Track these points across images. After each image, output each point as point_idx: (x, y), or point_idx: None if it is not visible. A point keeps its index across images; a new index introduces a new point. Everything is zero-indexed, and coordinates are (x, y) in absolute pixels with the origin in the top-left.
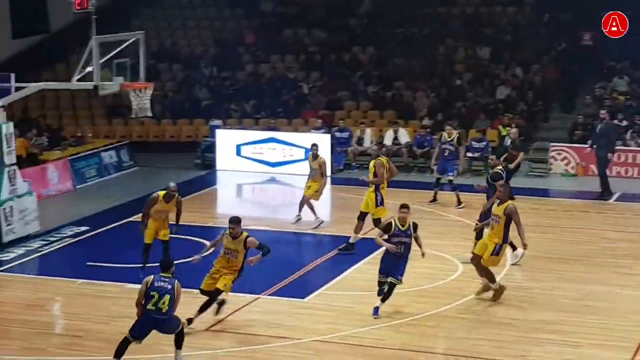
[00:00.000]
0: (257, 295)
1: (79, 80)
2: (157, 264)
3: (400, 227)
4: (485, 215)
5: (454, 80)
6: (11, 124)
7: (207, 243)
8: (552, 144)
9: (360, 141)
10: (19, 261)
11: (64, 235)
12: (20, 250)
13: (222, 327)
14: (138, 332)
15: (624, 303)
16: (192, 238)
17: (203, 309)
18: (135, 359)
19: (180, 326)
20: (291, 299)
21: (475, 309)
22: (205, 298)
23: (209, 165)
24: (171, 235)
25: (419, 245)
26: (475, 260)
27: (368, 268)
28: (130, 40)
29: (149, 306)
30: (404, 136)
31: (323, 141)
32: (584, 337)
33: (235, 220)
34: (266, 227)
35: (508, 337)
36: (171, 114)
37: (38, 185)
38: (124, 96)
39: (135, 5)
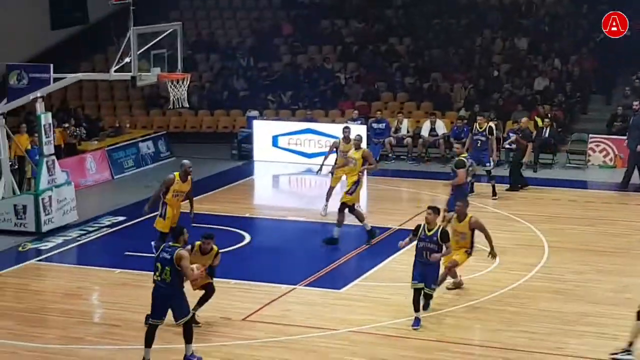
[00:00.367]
0: (293, 286)
1: (117, 71)
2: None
3: (426, 231)
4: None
5: (491, 72)
6: (49, 115)
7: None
8: (590, 135)
9: (397, 131)
10: (58, 250)
11: (102, 225)
12: (58, 240)
13: (258, 318)
14: (154, 312)
15: None
16: (229, 228)
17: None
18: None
19: (189, 316)
20: (327, 289)
21: (512, 300)
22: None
23: (246, 156)
24: (195, 225)
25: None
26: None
27: (404, 259)
28: (168, 31)
29: (155, 277)
30: (441, 127)
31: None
32: (622, 330)
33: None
34: (302, 217)
35: (545, 329)
36: (208, 104)
37: (76, 175)
38: (162, 87)
39: None
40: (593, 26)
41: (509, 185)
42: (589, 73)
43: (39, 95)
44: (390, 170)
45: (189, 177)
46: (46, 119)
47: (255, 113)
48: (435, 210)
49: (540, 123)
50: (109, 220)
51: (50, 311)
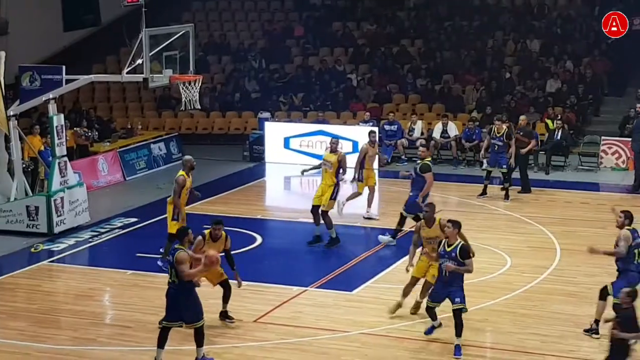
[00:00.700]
0: (304, 288)
1: (129, 72)
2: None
3: (445, 247)
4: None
5: (503, 74)
6: (62, 116)
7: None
8: (603, 137)
9: (410, 132)
10: (70, 252)
11: (114, 226)
12: (70, 241)
13: (270, 319)
14: (167, 314)
15: None
16: (241, 230)
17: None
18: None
19: (200, 323)
20: (339, 291)
21: (524, 303)
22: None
23: (257, 157)
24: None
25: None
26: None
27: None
28: (180, 33)
29: (169, 279)
30: (453, 129)
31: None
32: None
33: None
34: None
35: (557, 332)
36: (220, 106)
37: (88, 176)
38: (174, 88)
39: None
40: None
41: (520, 188)
42: (601, 75)
43: (51, 96)
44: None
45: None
46: (58, 120)
47: (266, 115)
48: (455, 224)
49: (551, 125)
50: (120, 222)
51: (62, 312)
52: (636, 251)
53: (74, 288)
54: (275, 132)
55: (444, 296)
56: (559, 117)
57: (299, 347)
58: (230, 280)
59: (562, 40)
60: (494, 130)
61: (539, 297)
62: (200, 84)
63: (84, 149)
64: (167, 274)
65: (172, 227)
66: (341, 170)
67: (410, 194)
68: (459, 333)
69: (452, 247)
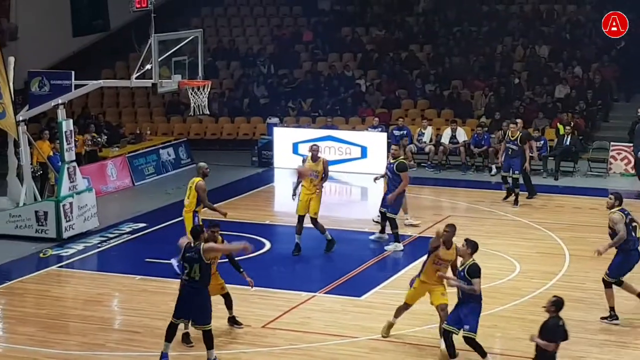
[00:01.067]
0: (313, 293)
1: (138, 77)
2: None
3: (458, 266)
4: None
5: (512, 79)
6: (71, 121)
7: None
8: (612, 143)
9: (419, 137)
10: (78, 257)
11: (122, 231)
12: (79, 246)
13: (278, 325)
14: (178, 310)
15: None
16: (249, 235)
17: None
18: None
19: (209, 326)
20: (347, 297)
21: (533, 309)
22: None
23: (266, 163)
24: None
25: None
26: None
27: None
28: (189, 38)
29: (184, 277)
30: (462, 135)
31: (380, 139)
32: None
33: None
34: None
35: None
36: (229, 111)
37: (97, 181)
38: (182, 94)
39: (194, 3)
40: None
41: (527, 193)
42: (610, 81)
43: (60, 102)
44: (411, 177)
45: None
46: (67, 125)
47: (275, 120)
48: (469, 244)
49: (562, 131)
50: (129, 227)
51: (71, 317)
52: (631, 227)
53: (83, 293)
54: (284, 137)
55: (457, 317)
56: (571, 124)
57: (308, 353)
58: (233, 286)
59: (571, 45)
60: (508, 134)
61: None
62: (209, 90)
63: (93, 154)
64: (176, 279)
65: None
66: (323, 176)
67: (386, 192)
68: (481, 354)
69: (463, 266)
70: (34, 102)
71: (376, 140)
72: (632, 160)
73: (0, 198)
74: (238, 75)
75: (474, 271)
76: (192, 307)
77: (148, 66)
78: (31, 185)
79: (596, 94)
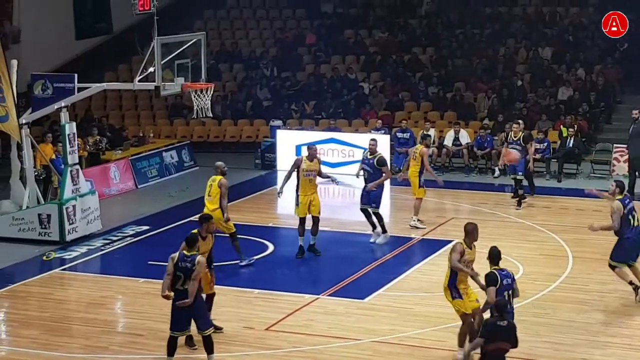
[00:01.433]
0: (316, 296)
1: (141, 80)
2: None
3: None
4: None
5: (515, 81)
6: (74, 124)
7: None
8: (615, 145)
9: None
10: (82, 260)
11: (126, 234)
12: (82, 249)
13: (281, 327)
14: (176, 324)
15: None
16: (253, 238)
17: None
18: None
19: (211, 330)
20: (351, 299)
21: (536, 311)
22: None
23: (269, 165)
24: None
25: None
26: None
27: (428, 269)
28: (192, 41)
29: (178, 286)
30: (465, 137)
31: (383, 142)
32: None
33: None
34: (326, 227)
35: (569, 340)
36: (232, 114)
37: (100, 184)
38: (185, 96)
39: (197, 6)
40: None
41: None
42: (613, 83)
43: (63, 105)
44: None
45: None
46: (70, 128)
47: (278, 123)
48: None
49: (565, 133)
50: (132, 230)
51: (74, 320)
52: (631, 217)
53: (86, 296)
54: (287, 140)
55: None
56: (575, 127)
57: (311, 356)
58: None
59: (574, 48)
60: (511, 135)
61: (551, 305)
62: (212, 92)
63: (96, 157)
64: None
65: (231, 227)
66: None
67: (366, 188)
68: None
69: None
70: (37, 105)
71: (379, 143)
72: None
73: (3, 201)
74: (241, 77)
75: (491, 280)
76: (190, 316)
77: (151, 69)
78: (34, 188)
79: (599, 96)
